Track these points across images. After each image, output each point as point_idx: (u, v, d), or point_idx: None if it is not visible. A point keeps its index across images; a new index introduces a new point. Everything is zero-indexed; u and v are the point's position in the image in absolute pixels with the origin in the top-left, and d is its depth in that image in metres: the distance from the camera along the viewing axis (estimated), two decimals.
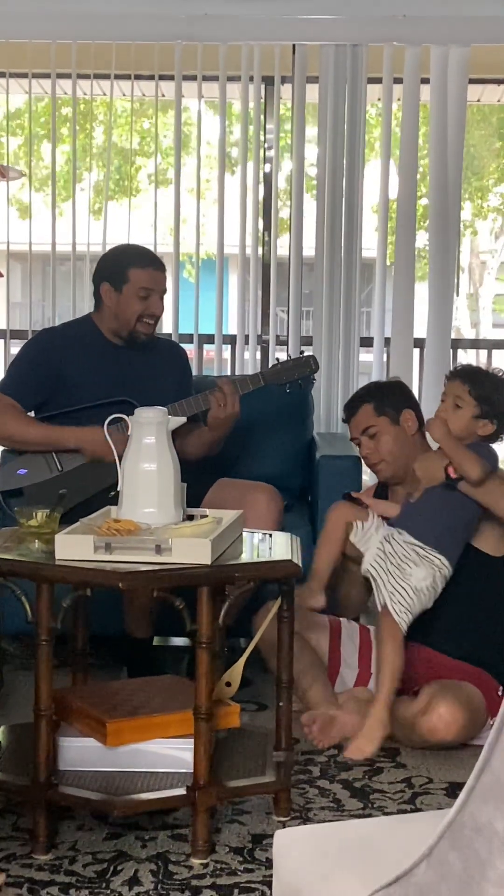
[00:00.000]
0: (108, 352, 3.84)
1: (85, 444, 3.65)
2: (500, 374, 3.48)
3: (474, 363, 11.55)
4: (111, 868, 2.56)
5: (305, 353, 3.91)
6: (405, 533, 3.36)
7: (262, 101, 5.24)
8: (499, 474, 3.39)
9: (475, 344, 9.32)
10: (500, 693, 3.35)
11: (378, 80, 5.13)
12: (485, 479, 3.32)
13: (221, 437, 3.80)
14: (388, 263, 5.26)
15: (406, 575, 3.30)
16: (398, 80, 5.11)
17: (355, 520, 3.48)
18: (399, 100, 5.18)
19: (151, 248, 4.96)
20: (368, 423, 3.66)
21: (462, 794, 1.33)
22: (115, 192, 7.36)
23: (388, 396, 3.69)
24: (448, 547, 3.34)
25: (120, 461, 2.86)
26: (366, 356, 5.31)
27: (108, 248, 5.06)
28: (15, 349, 4.32)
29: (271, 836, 2.12)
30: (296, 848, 1.68)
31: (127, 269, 3.78)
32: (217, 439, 3.80)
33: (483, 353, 6.60)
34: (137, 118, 5.95)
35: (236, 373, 5.29)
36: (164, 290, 3.85)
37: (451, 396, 3.42)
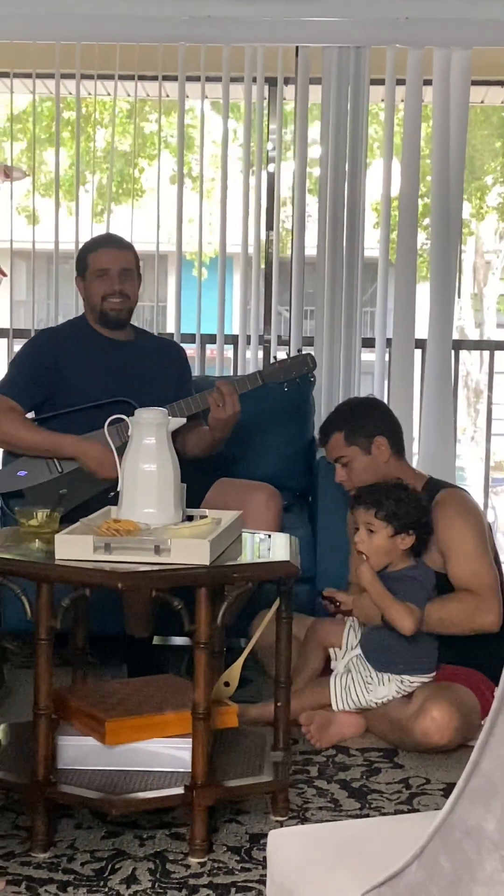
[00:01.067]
0: (105, 350, 3.85)
1: (84, 457, 3.65)
2: (394, 480, 3.45)
3: (477, 364, 11.53)
4: (109, 866, 2.58)
5: (303, 352, 3.91)
6: (365, 662, 3.39)
7: (266, 101, 5.25)
8: (437, 603, 3.36)
9: (478, 345, 9.34)
10: (493, 694, 3.35)
11: (381, 82, 5.13)
12: (418, 626, 3.29)
13: (223, 437, 3.81)
14: (390, 263, 5.26)
15: (370, 689, 3.35)
16: (401, 82, 5.11)
17: (331, 644, 3.51)
18: (402, 101, 5.18)
19: (153, 247, 5.01)
20: (339, 453, 3.63)
21: (452, 796, 1.35)
22: (117, 195, 7.38)
23: (360, 423, 3.62)
24: (414, 663, 3.35)
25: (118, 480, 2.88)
26: (368, 356, 5.32)
27: None
28: (18, 347, 4.33)
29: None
30: (289, 848, 1.69)
31: (85, 255, 3.90)
32: (218, 440, 3.81)
33: (486, 353, 6.59)
34: (139, 120, 5.96)
35: (238, 373, 5.30)
36: (125, 268, 3.85)
37: (363, 525, 3.36)
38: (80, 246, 4.08)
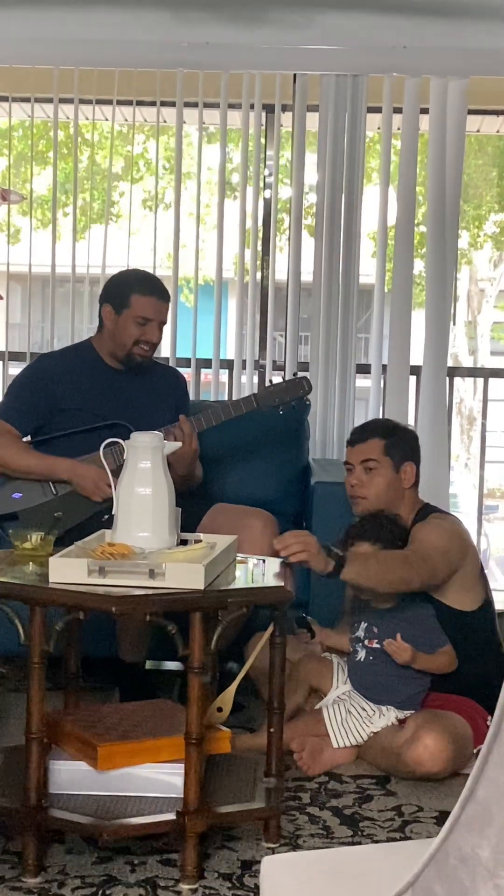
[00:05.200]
0: (105, 377, 3.84)
1: (79, 479, 3.64)
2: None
3: (471, 391, 11.50)
4: (100, 892, 2.56)
5: (298, 375, 3.90)
6: (359, 696, 3.40)
7: (263, 128, 5.28)
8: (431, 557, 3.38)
9: (472, 372, 9.35)
10: (487, 723, 3.34)
11: (378, 110, 5.17)
12: (453, 659, 3.38)
13: (184, 474, 3.70)
14: (385, 290, 5.28)
15: (373, 722, 3.35)
16: (398, 110, 5.14)
17: (315, 684, 3.50)
18: (399, 129, 5.21)
19: (150, 271, 5.01)
20: (372, 456, 3.60)
21: (447, 824, 1.34)
22: (112, 215, 7.39)
23: (401, 443, 3.64)
24: (405, 699, 3.37)
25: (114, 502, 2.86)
26: (363, 382, 5.33)
27: (107, 270, 5.10)
28: (13, 371, 4.34)
29: (261, 862, 2.12)
30: (282, 875, 1.68)
31: (129, 294, 3.79)
32: (181, 476, 3.75)
33: (480, 381, 6.60)
34: (127, 142, 5.97)
35: (233, 398, 5.30)
36: (164, 321, 3.85)
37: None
38: (121, 275, 3.98)
